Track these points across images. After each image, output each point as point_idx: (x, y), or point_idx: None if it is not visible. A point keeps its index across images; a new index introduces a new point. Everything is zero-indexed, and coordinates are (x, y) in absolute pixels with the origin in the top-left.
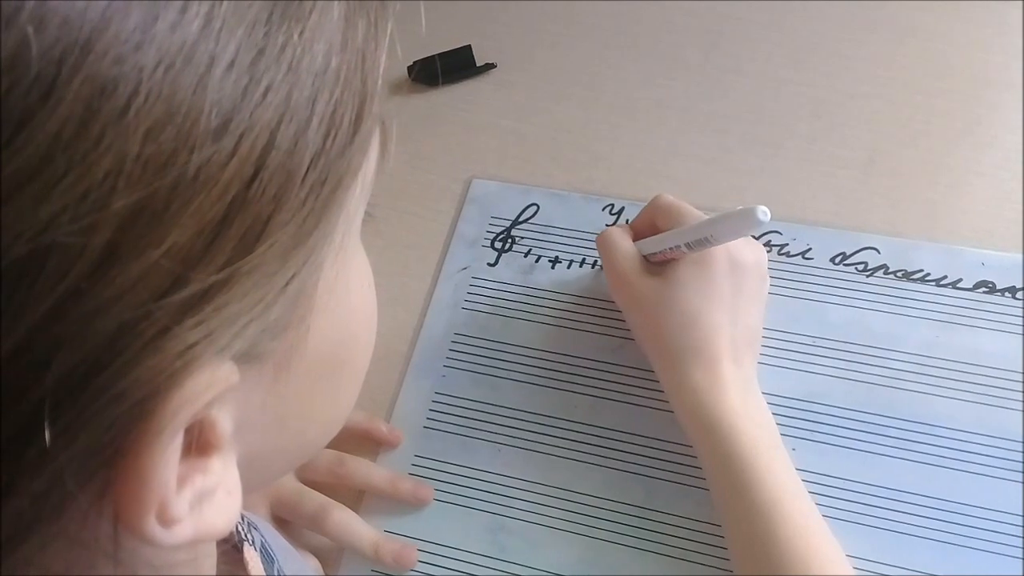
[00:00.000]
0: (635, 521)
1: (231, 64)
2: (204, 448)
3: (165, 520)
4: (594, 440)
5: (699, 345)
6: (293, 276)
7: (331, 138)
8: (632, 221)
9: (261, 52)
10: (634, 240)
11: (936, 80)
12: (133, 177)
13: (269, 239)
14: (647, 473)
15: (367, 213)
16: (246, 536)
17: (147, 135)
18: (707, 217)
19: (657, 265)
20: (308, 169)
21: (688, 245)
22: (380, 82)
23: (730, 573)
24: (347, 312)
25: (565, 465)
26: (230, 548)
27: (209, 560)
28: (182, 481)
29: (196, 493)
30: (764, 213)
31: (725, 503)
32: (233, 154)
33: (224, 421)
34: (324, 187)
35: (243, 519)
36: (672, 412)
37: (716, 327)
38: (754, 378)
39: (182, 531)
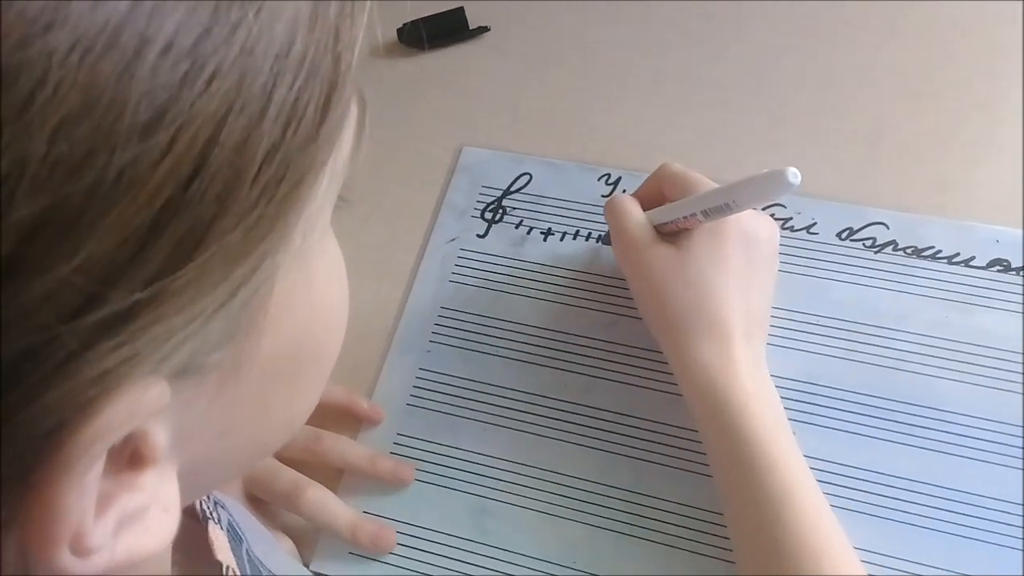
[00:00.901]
0: (623, 506)
1: (167, 47)
2: (135, 462)
3: (81, 551)
4: (584, 420)
5: (711, 320)
6: (239, 286)
7: (292, 130)
8: (635, 191)
9: (207, 32)
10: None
11: (947, 49)
12: (38, 182)
13: (210, 247)
14: (638, 456)
15: (340, 199)
16: (211, 514)
17: (56, 132)
18: (720, 185)
19: (668, 236)
20: (261, 166)
21: (705, 213)
22: (355, 63)
23: (719, 561)
24: (309, 312)
25: (553, 446)
26: (194, 525)
27: (157, 565)
28: (105, 503)
29: (122, 514)
30: (795, 175)
31: (732, 488)
32: (167, 151)
33: (158, 435)
34: (281, 186)
35: (208, 497)
36: (666, 393)
37: (729, 302)
38: (764, 358)
39: (104, 559)
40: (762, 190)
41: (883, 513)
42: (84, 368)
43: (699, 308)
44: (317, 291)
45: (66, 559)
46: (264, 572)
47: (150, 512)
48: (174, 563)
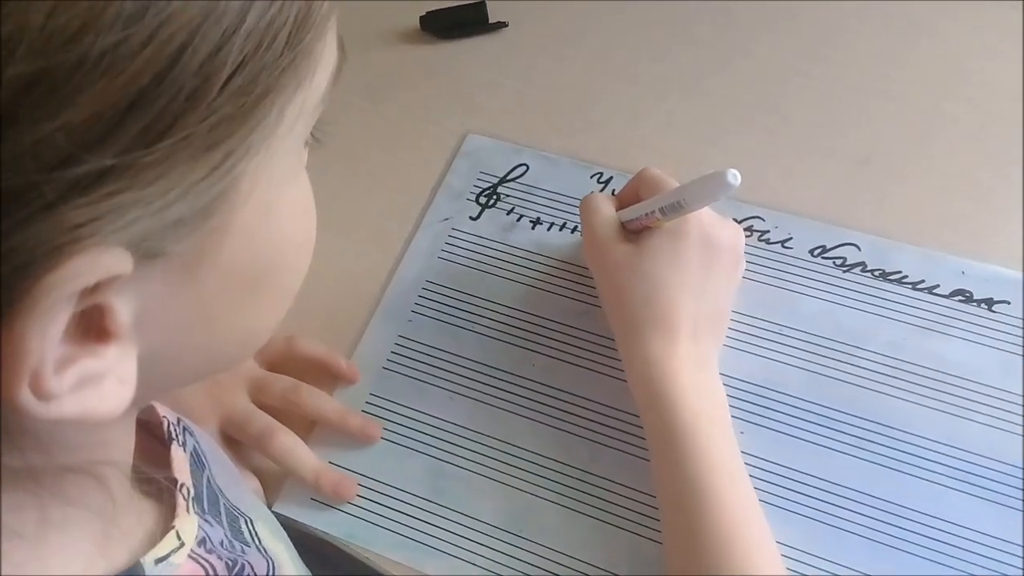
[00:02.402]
0: (575, 483)
1: None
2: (99, 334)
3: (41, 393)
4: (547, 400)
5: (659, 316)
6: (200, 180)
7: (263, 48)
8: (618, 192)
9: None
10: (617, 210)
11: (946, 84)
12: (34, 47)
13: (174, 136)
14: (594, 438)
15: (315, 139)
16: (176, 436)
17: (54, 8)
18: None
19: (633, 234)
20: (230, 76)
21: (662, 211)
22: (329, 5)
23: (657, 545)
24: (271, 232)
25: (514, 420)
26: (158, 445)
27: (118, 450)
28: (68, 360)
29: (82, 374)
30: (734, 176)
31: (661, 476)
32: (146, 43)
33: (122, 310)
34: (248, 97)
35: (179, 421)
36: (626, 382)
37: (678, 300)
38: (712, 358)
39: (60, 408)
40: (706, 189)
41: (820, 517)
42: (56, 218)
43: (649, 303)
44: (282, 220)
45: (26, 397)
46: (223, 501)
47: (107, 380)
48: (134, 467)
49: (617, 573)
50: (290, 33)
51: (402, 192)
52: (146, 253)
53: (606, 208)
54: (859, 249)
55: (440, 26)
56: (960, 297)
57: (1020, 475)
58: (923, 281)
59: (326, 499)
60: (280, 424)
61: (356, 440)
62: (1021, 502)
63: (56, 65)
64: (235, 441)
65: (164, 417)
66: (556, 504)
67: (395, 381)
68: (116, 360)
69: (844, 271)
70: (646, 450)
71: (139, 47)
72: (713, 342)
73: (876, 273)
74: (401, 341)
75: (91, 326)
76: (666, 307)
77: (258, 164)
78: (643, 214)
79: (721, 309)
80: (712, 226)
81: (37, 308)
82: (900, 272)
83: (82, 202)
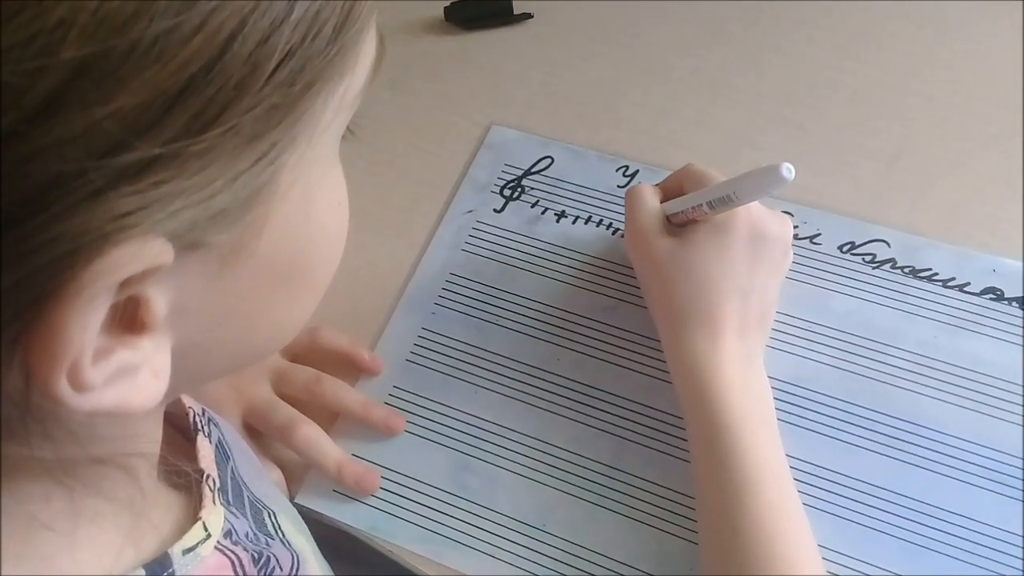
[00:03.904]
0: (599, 479)
1: None
2: (135, 326)
3: (78, 384)
4: (572, 395)
5: (705, 311)
6: (245, 171)
7: (309, 38)
8: (661, 183)
9: None
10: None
11: (978, 83)
12: (87, 31)
13: (223, 126)
14: (619, 433)
15: (349, 131)
16: (202, 427)
17: None
18: None
19: (678, 227)
20: (278, 66)
21: (710, 204)
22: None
23: (681, 540)
24: (308, 225)
25: (539, 415)
26: (179, 437)
27: (147, 442)
28: (104, 352)
29: (118, 366)
30: (788, 170)
31: (703, 474)
32: (197, 31)
33: (159, 302)
34: (293, 87)
35: (203, 412)
36: (654, 378)
37: (726, 295)
38: (758, 354)
39: (96, 400)
40: (759, 182)
41: (853, 517)
42: (103, 206)
43: (695, 298)
44: (319, 214)
45: (63, 388)
46: (246, 493)
47: (142, 372)
48: (161, 459)
49: (641, 569)
50: (336, 24)
51: (426, 183)
52: (187, 244)
53: (651, 200)
54: (888, 246)
55: (465, 17)
56: (991, 295)
57: None
58: (954, 279)
59: (349, 491)
60: (303, 415)
61: (379, 432)
62: None
63: (109, 50)
64: (257, 432)
65: (189, 408)
66: (580, 499)
67: (418, 374)
68: (151, 352)
69: (874, 268)
70: (671, 446)
71: (191, 34)
72: (760, 337)
73: (906, 270)
74: (424, 333)
75: (127, 317)
76: (713, 302)
77: (300, 155)
78: (690, 207)
79: (768, 303)
80: (760, 219)
81: (80, 297)
82: (930, 269)
83: (129, 190)
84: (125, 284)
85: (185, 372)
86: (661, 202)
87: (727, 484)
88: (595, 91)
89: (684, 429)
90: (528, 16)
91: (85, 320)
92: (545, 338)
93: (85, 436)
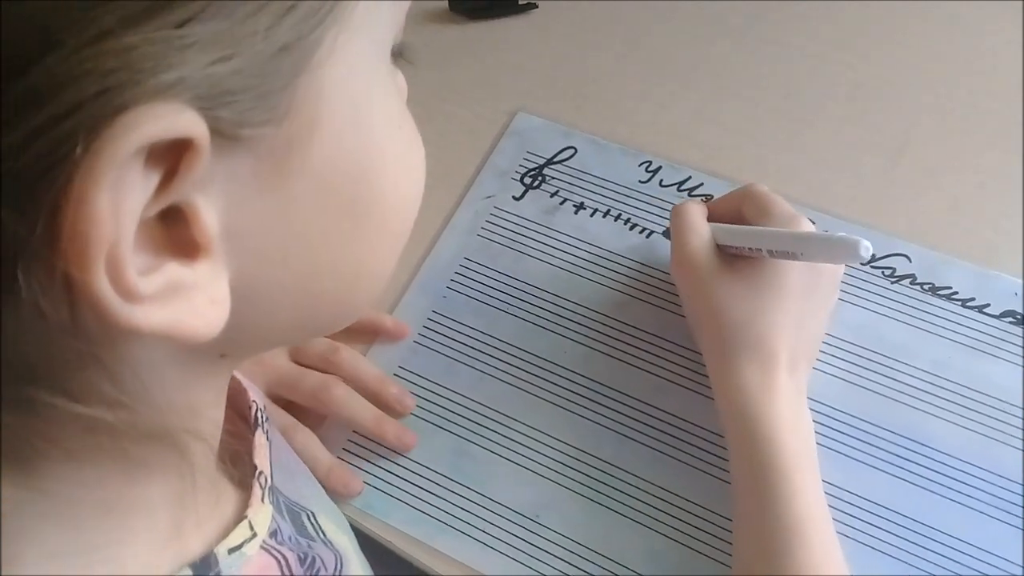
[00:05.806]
0: (597, 475)
1: None
2: (187, 248)
3: (122, 288)
4: (576, 388)
5: (757, 344)
6: (269, 28)
7: None
8: (714, 201)
9: None
10: (708, 220)
11: (982, 78)
12: None
13: None
14: (621, 432)
15: (404, 58)
16: (262, 423)
17: None
18: (794, 228)
19: (728, 255)
20: None
21: (771, 253)
22: None
23: (673, 542)
24: (361, 138)
25: (541, 406)
26: (243, 426)
27: (207, 422)
28: (154, 267)
29: (169, 280)
30: (867, 249)
31: (748, 512)
32: None
33: (209, 212)
34: None
35: (262, 408)
36: (661, 378)
37: (779, 329)
38: (804, 387)
39: (147, 315)
40: (832, 253)
41: (848, 532)
42: (111, 43)
43: (747, 330)
44: (373, 129)
45: (103, 285)
46: (280, 498)
47: (198, 295)
48: (221, 446)
49: (631, 568)
50: None
51: (446, 166)
52: (222, 130)
53: (701, 222)
54: (909, 261)
55: (469, 6)
56: (1011, 319)
57: None
58: (974, 299)
59: (335, 496)
60: (297, 422)
61: (391, 409)
62: None
63: None
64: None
65: (253, 401)
66: (576, 494)
67: (425, 356)
68: (207, 277)
69: (892, 282)
70: (673, 448)
71: None
72: (806, 371)
73: (926, 287)
74: (434, 316)
75: (177, 237)
76: (765, 335)
77: (337, 36)
78: (746, 248)
79: (816, 338)
80: None
81: (100, 163)
82: (950, 288)
83: (137, 34)
84: (157, 159)
85: (246, 324)
86: (709, 218)
87: (774, 524)
88: (594, 83)
89: (687, 431)
90: (533, 6)
91: (115, 197)
92: (553, 329)
93: (144, 392)
